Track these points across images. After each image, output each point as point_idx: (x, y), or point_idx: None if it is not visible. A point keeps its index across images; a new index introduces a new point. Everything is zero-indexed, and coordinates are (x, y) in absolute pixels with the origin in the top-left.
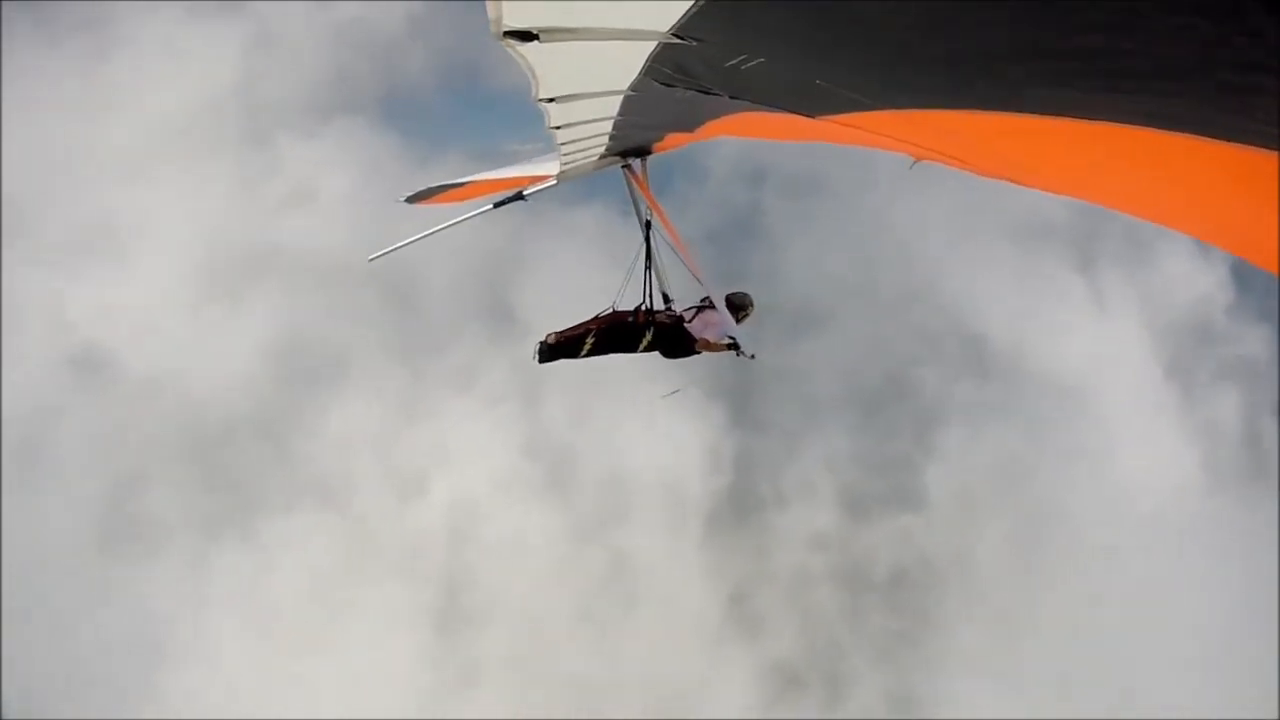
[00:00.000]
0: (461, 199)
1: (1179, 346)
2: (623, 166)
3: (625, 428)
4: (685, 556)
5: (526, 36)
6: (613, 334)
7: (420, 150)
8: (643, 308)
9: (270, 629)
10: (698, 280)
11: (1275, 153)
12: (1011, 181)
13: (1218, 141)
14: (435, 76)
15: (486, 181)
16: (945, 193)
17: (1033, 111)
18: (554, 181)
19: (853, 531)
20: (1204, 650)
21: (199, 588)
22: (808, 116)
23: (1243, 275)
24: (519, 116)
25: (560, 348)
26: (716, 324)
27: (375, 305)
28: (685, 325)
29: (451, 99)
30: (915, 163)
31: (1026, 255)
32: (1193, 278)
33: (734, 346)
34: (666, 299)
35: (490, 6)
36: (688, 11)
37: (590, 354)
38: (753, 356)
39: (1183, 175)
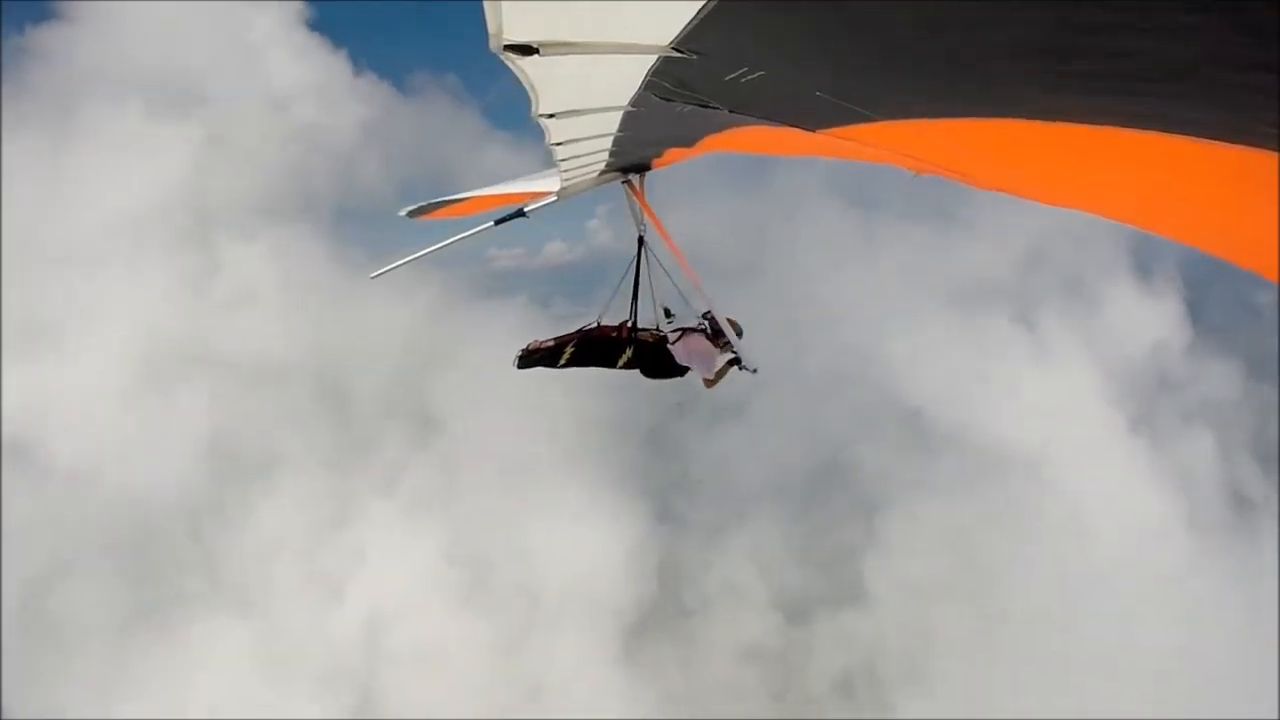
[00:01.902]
0: (463, 214)
1: (1140, 396)
2: (623, 182)
3: (547, 531)
4: (606, 672)
5: (526, 50)
6: (592, 347)
7: (367, 255)
8: (626, 324)
9: None
10: (687, 299)
11: (1277, 154)
12: (1011, 193)
13: (1219, 144)
14: (388, 183)
15: (488, 197)
16: (872, 260)
17: (1033, 117)
18: (555, 198)
19: (790, 637)
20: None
21: (112, 688)
22: (807, 130)
23: (1196, 312)
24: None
25: (539, 356)
26: (702, 352)
27: (305, 404)
28: (669, 346)
29: (403, 205)
30: (916, 176)
31: (964, 317)
32: (1143, 323)
33: (736, 362)
34: (668, 313)
35: (490, 20)
36: (688, 25)
37: (568, 364)
38: (755, 371)
39: (1184, 180)
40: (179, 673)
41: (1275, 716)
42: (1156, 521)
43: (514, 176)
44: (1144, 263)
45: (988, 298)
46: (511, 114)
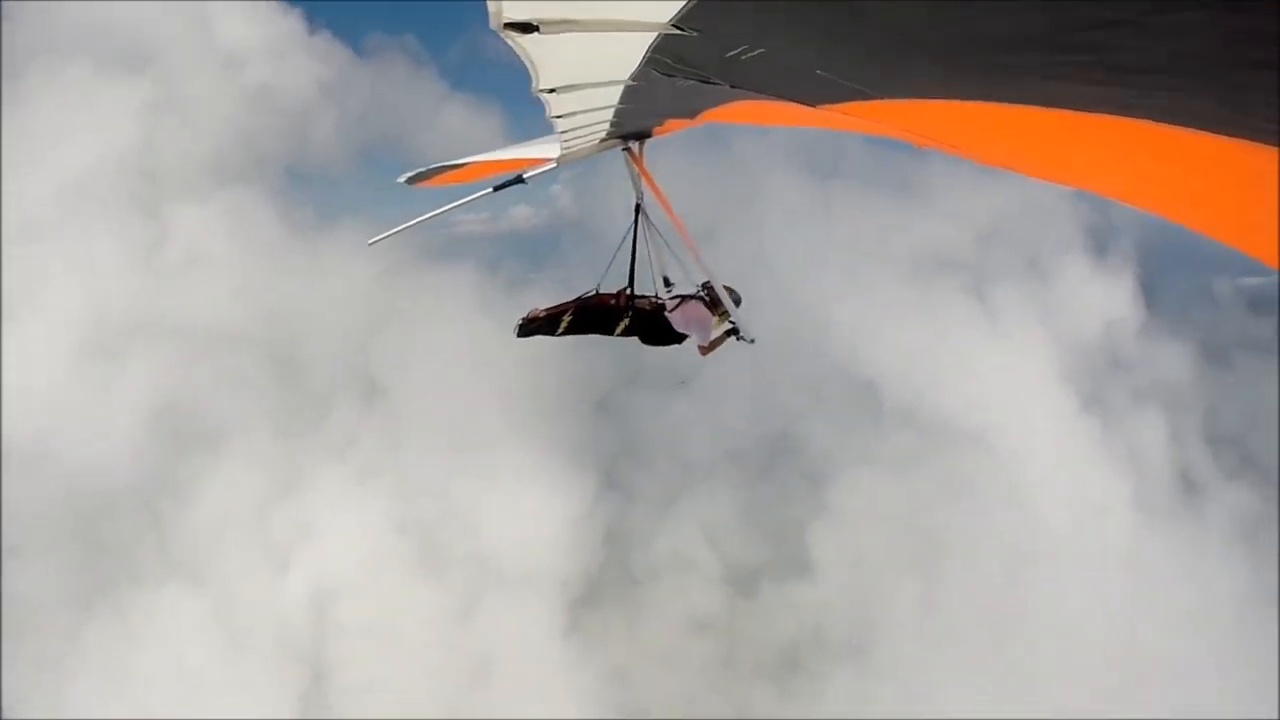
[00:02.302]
0: (461, 180)
1: (1092, 375)
2: (623, 149)
3: (495, 499)
4: (553, 642)
5: (526, 28)
6: (590, 314)
7: (320, 219)
8: (625, 292)
9: (134, 710)
10: (686, 266)
11: (1275, 149)
12: (1012, 170)
13: (1218, 136)
14: (343, 147)
15: (487, 163)
16: (830, 229)
17: (1033, 103)
18: (554, 164)
19: (736, 607)
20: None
21: (64, 666)
22: (808, 105)
23: (1151, 294)
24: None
25: (538, 324)
26: (699, 319)
27: (254, 372)
28: (666, 314)
29: (359, 169)
30: (916, 149)
31: (921, 290)
32: (1097, 302)
33: (733, 332)
34: (668, 282)
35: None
36: (688, 3)
37: (567, 332)
38: (753, 341)
39: (1183, 168)
40: (131, 649)
41: (1275, 717)
42: (1104, 500)
43: (478, 141)
44: (1100, 242)
45: (945, 271)
46: (472, 75)
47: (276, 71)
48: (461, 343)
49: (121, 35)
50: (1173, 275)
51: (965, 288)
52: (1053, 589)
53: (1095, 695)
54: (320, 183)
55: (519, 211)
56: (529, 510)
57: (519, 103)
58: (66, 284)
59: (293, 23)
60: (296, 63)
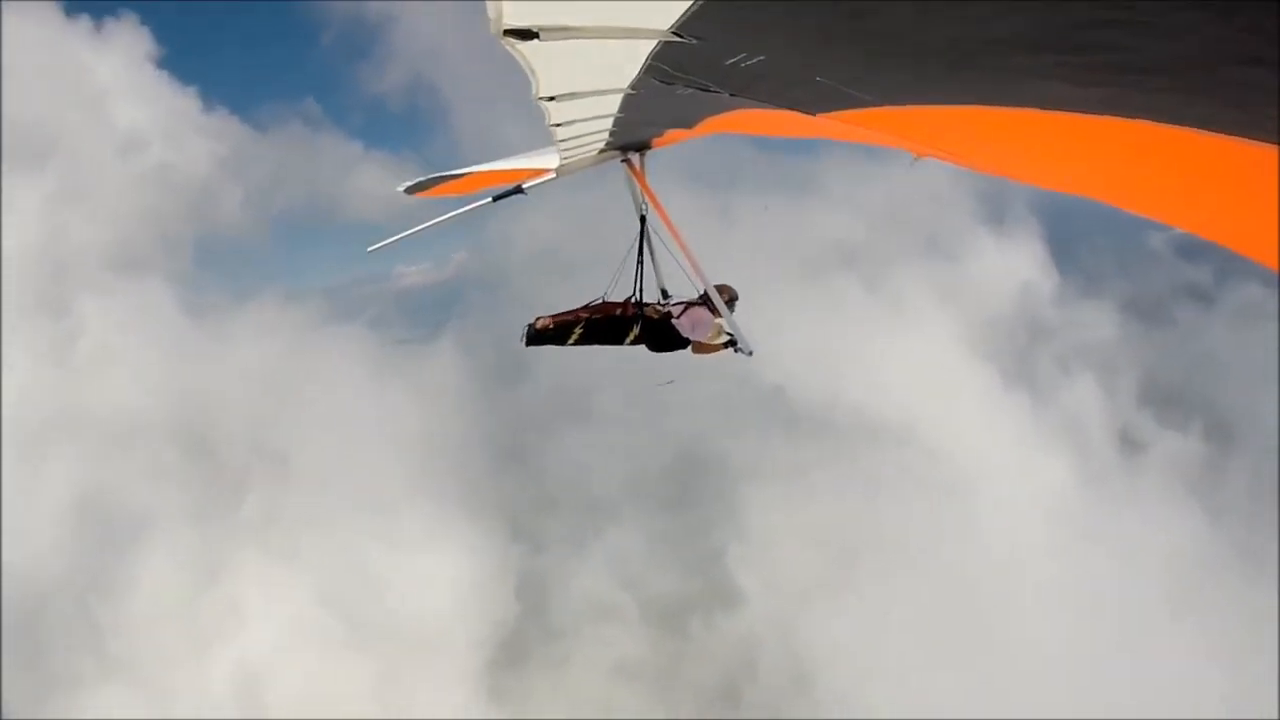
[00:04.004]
0: (461, 191)
1: (1013, 349)
2: (622, 160)
3: (406, 563)
4: (476, 703)
5: (526, 35)
6: (601, 325)
7: (232, 293)
8: (632, 300)
9: None
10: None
11: (1276, 146)
12: (1010, 177)
13: (1218, 135)
14: (252, 219)
15: (486, 173)
16: (726, 238)
17: (1032, 106)
18: (553, 175)
19: (664, 647)
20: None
21: None
22: (807, 114)
23: (1060, 255)
24: (338, 251)
25: (548, 334)
26: (705, 322)
27: (170, 459)
28: (673, 321)
29: (273, 239)
30: (916, 159)
31: (822, 288)
32: (1006, 273)
33: (731, 344)
34: (665, 294)
35: (490, 5)
36: (688, 10)
37: (578, 343)
38: (750, 353)
39: (1183, 168)
40: None
41: (1275, 716)
42: (1046, 474)
43: (394, 196)
44: (998, 212)
45: (845, 265)
46: (384, 133)
47: (175, 151)
48: (361, 405)
49: (21, 128)
50: (1079, 232)
51: (867, 279)
52: (1003, 577)
53: (1058, 701)
54: (233, 257)
55: (411, 270)
56: (439, 572)
57: (436, 154)
58: None
59: (187, 100)
60: (194, 142)
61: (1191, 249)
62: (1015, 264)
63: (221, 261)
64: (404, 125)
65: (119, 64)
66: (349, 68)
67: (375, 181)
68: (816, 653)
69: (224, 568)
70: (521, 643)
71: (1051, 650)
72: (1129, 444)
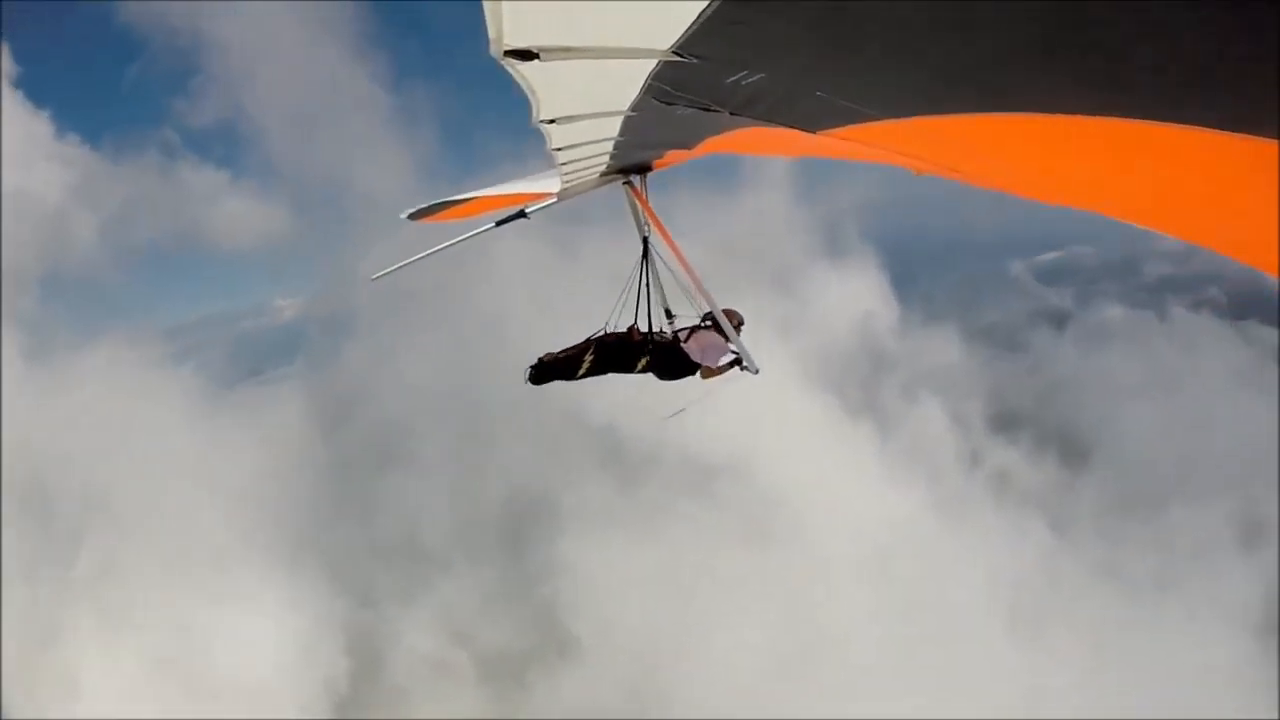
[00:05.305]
0: (464, 216)
1: (856, 379)
2: (624, 183)
3: (235, 623)
4: None
5: (527, 56)
6: (611, 354)
7: (78, 331)
8: (635, 328)
9: None
10: (692, 298)
11: (1277, 142)
12: (1011, 191)
13: (1221, 132)
14: (107, 251)
15: (489, 198)
16: (561, 279)
17: (1033, 110)
18: (555, 199)
19: (503, 702)
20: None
21: None
22: (808, 131)
23: (900, 284)
24: (205, 283)
25: (555, 368)
26: (713, 345)
27: (10, 514)
28: (681, 346)
29: (123, 271)
30: (917, 175)
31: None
32: (846, 304)
33: (737, 363)
34: (669, 314)
35: (491, 26)
36: (689, 29)
37: (588, 374)
38: (757, 371)
39: (1184, 169)
40: None
41: (1275, 716)
42: (896, 502)
43: (261, 228)
44: (837, 245)
45: (678, 301)
46: (245, 160)
47: (24, 177)
48: (200, 452)
49: None
50: (918, 260)
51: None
52: (847, 614)
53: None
54: (84, 292)
55: (287, 304)
56: (266, 629)
57: (310, 184)
58: None
59: (40, 125)
60: (45, 169)
61: (1054, 274)
62: (855, 295)
63: (70, 297)
64: (271, 153)
65: None
66: (210, 94)
67: (240, 212)
68: (659, 698)
69: (60, 629)
70: (359, 702)
71: (900, 684)
72: (978, 467)
